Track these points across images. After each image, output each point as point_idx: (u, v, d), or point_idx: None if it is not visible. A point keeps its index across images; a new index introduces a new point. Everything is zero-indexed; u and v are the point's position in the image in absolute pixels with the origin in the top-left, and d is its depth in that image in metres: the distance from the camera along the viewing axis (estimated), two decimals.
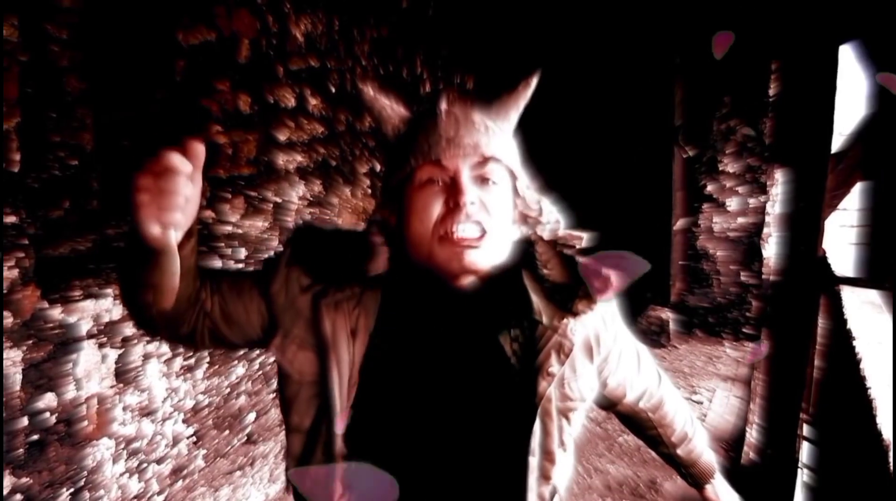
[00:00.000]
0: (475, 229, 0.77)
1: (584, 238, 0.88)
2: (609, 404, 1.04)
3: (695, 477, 1.09)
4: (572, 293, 0.83)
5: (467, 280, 0.81)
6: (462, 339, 0.81)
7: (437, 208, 0.78)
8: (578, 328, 0.85)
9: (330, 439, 0.80)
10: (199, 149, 0.66)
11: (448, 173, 0.78)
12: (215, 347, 0.91)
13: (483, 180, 0.79)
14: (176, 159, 0.63)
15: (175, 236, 0.69)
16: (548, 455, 0.85)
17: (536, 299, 0.84)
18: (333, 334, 0.79)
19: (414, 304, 0.82)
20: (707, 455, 1.09)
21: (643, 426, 1.08)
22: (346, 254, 0.83)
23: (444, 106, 0.80)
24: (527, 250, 0.88)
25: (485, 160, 0.79)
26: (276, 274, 0.84)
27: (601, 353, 0.91)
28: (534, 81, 0.85)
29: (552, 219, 0.87)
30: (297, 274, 0.83)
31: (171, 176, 0.63)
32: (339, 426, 0.80)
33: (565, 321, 0.83)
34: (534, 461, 0.83)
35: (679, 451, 1.07)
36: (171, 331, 0.84)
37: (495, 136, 0.81)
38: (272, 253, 2.38)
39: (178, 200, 0.65)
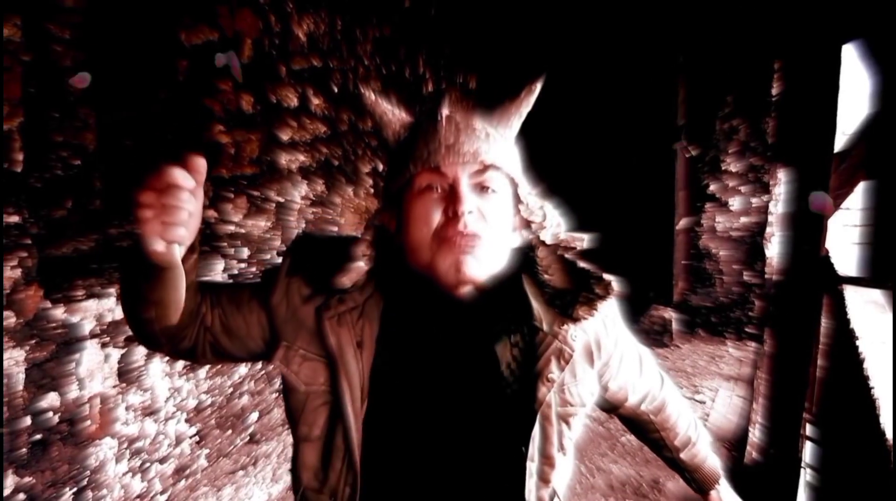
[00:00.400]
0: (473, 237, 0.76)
1: (585, 240, 0.87)
2: (611, 407, 1.03)
3: (699, 483, 1.08)
4: (573, 299, 0.83)
5: (466, 289, 0.80)
6: (462, 346, 0.81)
7: (435, 216, 0.77)
8: (579, 334, 0.84)
9: (348, 448, 0.79)
10: (201, 163, 0.65)
11: (447, 181, 0.77)
12: (217, 361, 0.91)
13: (482, 188, 0.78)
14: (178, 175, 0.63)
15: (179, 252, 0.68)
16: (547, 460, 0.85)
17: (537, 305, 0.84)
18: (340, 348, 0.79)
19: (415, 312, 0.81)
20: (711, 460, 1.08)
21: (646, 429, 1.07)
22: (346, 263, 0.82)
23: (444, 112, 0.78)
24: (527, 255, 0.87)
25: (484, 168, 0.78)
26: (277, 285, 0.84)
27: (602, 358, 0.91)
28: (537, 88, 0.83)
29: (554, 223, 0.85)
30: (297, 285, 0.83)
31: (173, 192, 0.63)
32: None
33: (566, 326, 0.83)
34: (533, 465, 0.83)
35: (682, 455, 1.06)
36: (173, 346, 0.84)
37: (496, 143, 0.79)
38: (274, 252, 2.39)
39: (182, 215, 0.64)
